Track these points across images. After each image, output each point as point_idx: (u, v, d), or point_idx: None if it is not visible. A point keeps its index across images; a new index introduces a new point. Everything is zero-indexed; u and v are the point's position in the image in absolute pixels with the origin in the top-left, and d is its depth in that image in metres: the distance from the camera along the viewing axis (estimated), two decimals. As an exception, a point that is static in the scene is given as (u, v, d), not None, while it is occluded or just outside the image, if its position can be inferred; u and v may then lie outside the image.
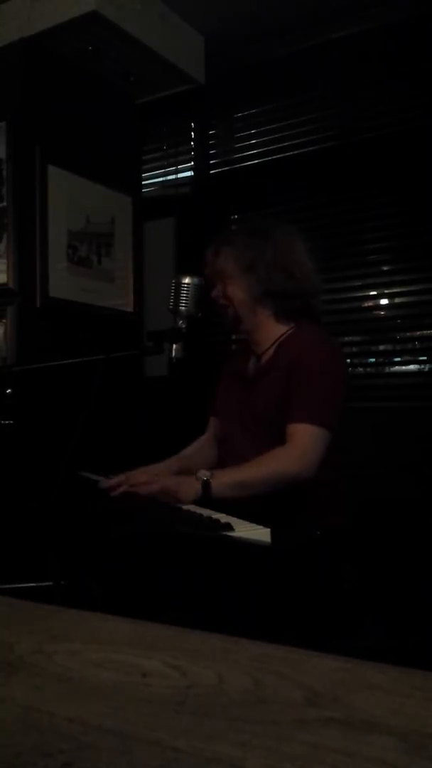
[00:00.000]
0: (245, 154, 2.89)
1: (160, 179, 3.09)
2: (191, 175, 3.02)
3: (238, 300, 1.61)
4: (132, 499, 1.51)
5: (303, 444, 1.44)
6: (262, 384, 1.60)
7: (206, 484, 1.39)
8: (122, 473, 1.56)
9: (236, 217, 2.89)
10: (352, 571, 1.53)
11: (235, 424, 1.66)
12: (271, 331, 1.64)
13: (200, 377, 1.82)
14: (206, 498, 1.38)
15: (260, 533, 1.18)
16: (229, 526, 1.18)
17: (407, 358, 2.50)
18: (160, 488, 1.41)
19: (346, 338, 2.68)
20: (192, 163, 3.02)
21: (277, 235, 1.62)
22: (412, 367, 2.49)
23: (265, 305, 1.62)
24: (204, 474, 1.40)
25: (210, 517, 1.26)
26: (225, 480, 1.41)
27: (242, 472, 1.44)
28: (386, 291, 2.54)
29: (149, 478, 1.47)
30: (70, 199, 2.49)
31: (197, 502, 1.38)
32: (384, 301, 2.55)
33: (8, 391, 2.16)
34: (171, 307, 1.54)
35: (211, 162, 2.97)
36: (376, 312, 2.57)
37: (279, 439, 1.50)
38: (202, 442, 1.80)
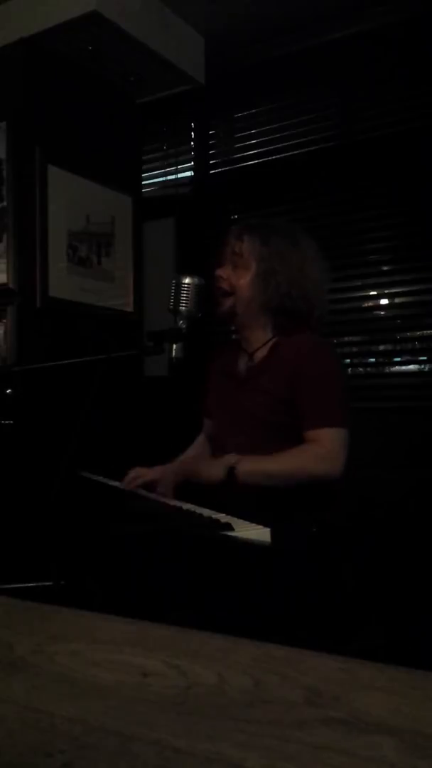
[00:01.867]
0: (245, 154, 2.89)
1: (160, 179, 3.09)
2: (191, 175, 3.02)
3: (244, 296, 1.59)
4: (134, 499, 1.51)
5: (331, 446, 1.45)
6: (256, 384, 1.59)
7: (232, 471, 1.39)
8: (125, 473, 1.57)
9: (236, 217, 2.89)
10: (350, 569, 1.53)
11: (227, 423, 1.65)
12: (264, 331, 1.63)
13: (200, 377, 1.82)
14: (230, 482, 1.38)
15: (260, 533, 1.18)
16: (229, 526, 1.18)
17: (407, 358, 2.50)
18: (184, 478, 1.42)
19: (346, 338, 2.68)
20: (192, 163, 3.02)
21: (306, 251, 1.60)
22: (412, 367, 2.49)
23: (267, 312, 1.60)
24: (232, 459, 1.40)
25: (210, 517, 1.26)
26: (252, 468, 1.41)
27: (271, 464, 1.44)
28: (386, 291, 2.54)
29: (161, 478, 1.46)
30: (70, 199, 2.49)
31: (222, 484, 1.39)
32: (384, 301, 2.55)
33: (8, 391, 2.16)
34: (171, 307, 1.54)
35: (211, 162, 2.97)
36: (376, 312, 2.57)
37: (273, 438, 1.50)
38: (200, 444, 1.79)
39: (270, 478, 1.42)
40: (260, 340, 1.63)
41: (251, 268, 1.59)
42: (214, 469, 1.42)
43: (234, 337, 1.70)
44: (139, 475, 1.57)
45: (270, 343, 1.61)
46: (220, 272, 1.62)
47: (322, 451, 1.45)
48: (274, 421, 1.52)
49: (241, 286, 1.60)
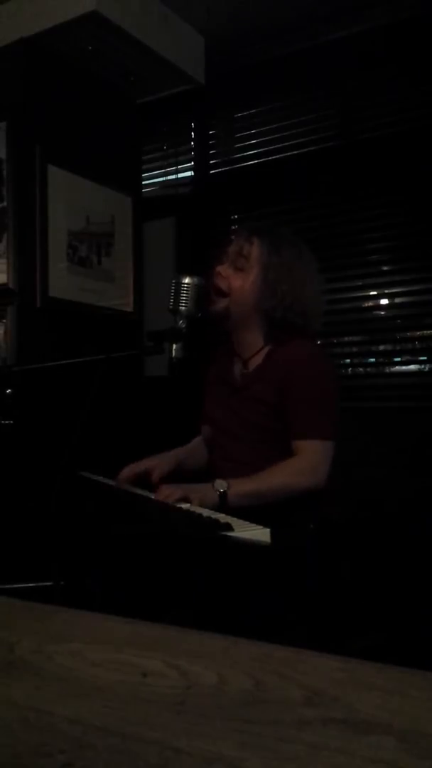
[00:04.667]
0: (245, 154, 2.89)
1: (160, 179, 3.09)
2: (191, 175, 3.02)
3: (242, 299, 1.57)
4: (133, 499, 1.51)
5: (314, 459, 1.46)
6: (252, 392, 1.58)
7: (223, 496, 1.38)
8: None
9: (236, 217, 2.89)
10: (350, 569, 1.54)
11: (225, 431, 1.65)
12: (257, 337, 1.61)
13: (200, 377, 1.82)
14: (222, 507, 1.37)
15: (260, 533, 1.18)
16: (228, 526, 1.18)
17: (407, 358, 2.50)
18: (181, 496, 1.39)
19: (346, 338, 2.68)
20: (192, 163, 3.02)
21: (309, 266, 1.59)
22: (412, 367, 2.49)
23: (263, 319, 1.59)
24: (221, 485, 1.40)
25: (210, 517, 1.25)
26: (241, 491, 1.41)
27: (257, 483, 1.44)
28: (386, 291, 2.54)
29: (170, 490, 1.42)
30: (70, 199, 2.49)
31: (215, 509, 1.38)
32: (384, 301, 2.55)
33: (8, 391, 2.16)
34: (171, 307, 1.54)
35: (211, 162, 2.97)
36: (376, 312, 2.57)
37: (270, 444, 1.51)
38: (197, 444, 1.79)
39: (258, 498, 1.42)
40: (253, 346, 1.62)
41: (254, 273, 1.57)
42: (208, 497, 1.39)
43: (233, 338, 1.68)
44: (132, 468, 1.57)
45: (264, 351, 1.60)
46: (220, 269, 1.60)
47: (303, 464, 1.46)
48: (269, 427, 1.53)
49: (239, 289, 1.58)
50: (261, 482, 1.44)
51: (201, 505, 1.37)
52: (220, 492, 1.39)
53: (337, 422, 1.51)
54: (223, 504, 1.38)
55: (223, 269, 1.60)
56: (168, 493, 1.39)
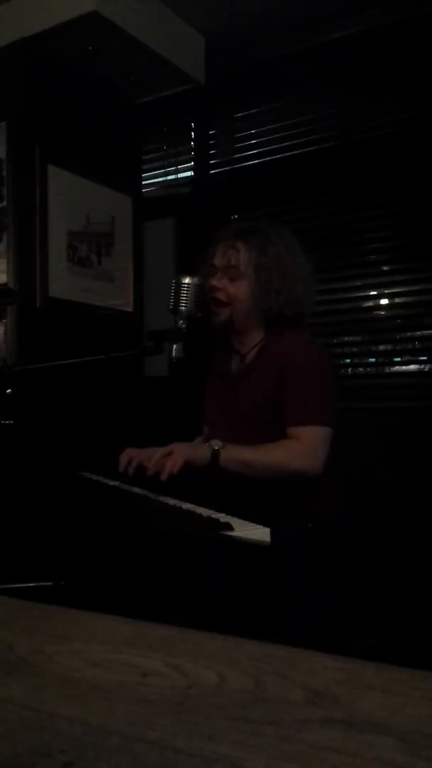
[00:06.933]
0: (245, 154, 2.88)
1: (160, 179, 3.09)
2: (191, 175, 3.02)
3: (242, 306, 1.59)
4: (133, 499, 1.51)
5: (312, 444, 1.46)
6: (246, 383, 1.61)
7: (216, 454, 1.42)
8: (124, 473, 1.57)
9: (236, 217, 2.89)
10: (351, 569, 1.54)
11: (220, 423, 1.66)
12: (257, 333, 1.64)
13: (200, 377, 1.82)
14: (213, 466, 1.41)
15: (260, 533, 1.18)
16: (228, 526, 1.18)
17: (407, 358, 2.50)
18: (183, 460, 1.42)
19: (346, 338, 2.68)
20: (192, 163, 3.02)
21: (294, 251, 1.61)
22: (412, 367, 2.49)
23: (261, 317, 1.61)
24: (216, 443, 1.43)
25: (210, 517, 1.26)
26: (234, 456, 1.44)
27: (251, 455, 1.45)
28: (386, 291, 2.54)
29: (169, 456, 1.44)
30: (70, 199, 2.49)
31: (206, 467, 1.43)
32: (384, 301, 2.55)
33: (8, 391, 2.16)
34: (171, 307, 1.54)
35: (211, 162, 2.97)
36: (376, 312, 2.57)
37: (264, 436, 1.51)
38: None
39: (249, 468, 1.44)
40: (253, 341, 1.64)
41: (248, 278, 1.58)
42: (200, 452, 1.44)
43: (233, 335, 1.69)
44: (133, 456, 1.57)
45: (261, 343, 1.62)
46: (215, 283, 1.60)
47: (299, 447, 1.47)
48: (263, 418, 1.54)
49: (238, 297, 1.59)
50: (255, 454, 1.46)
51: (190, 461, 1.41)
52: (213, 449, 1.42)
53: (335, 410, 1.52)
54: (213, 462, 1.41)
55: (218, 281, 1.60)
56: (171, 462, 1.40)
